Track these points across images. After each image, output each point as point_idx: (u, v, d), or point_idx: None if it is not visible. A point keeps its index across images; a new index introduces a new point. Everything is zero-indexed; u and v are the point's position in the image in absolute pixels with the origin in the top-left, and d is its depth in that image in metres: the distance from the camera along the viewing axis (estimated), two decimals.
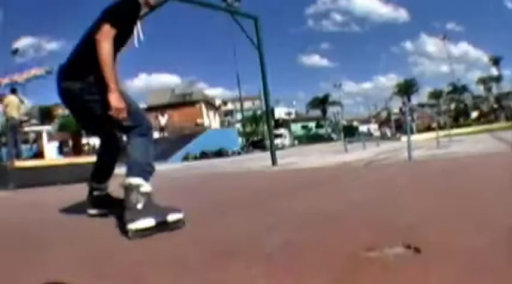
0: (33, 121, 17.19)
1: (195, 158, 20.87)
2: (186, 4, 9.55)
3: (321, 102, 65.29)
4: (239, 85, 53.98)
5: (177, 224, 2.16)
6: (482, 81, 60.55)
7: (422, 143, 13.21)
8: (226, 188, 5.06)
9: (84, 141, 24.16)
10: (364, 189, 3.70)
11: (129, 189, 2.17)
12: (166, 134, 28.85)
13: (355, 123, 57.57)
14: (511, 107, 44.39)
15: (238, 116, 55.01)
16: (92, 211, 2.76)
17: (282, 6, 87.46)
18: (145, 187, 2.19)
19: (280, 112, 68.51)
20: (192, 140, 23.52)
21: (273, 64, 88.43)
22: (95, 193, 2.75)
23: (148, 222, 2.06)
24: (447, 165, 5.62)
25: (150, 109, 34.20)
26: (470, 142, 11.81)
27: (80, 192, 3.15)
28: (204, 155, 21.41)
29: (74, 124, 11.21)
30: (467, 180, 3.62)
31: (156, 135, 39.94)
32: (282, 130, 46.43)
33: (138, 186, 2.16)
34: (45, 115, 26.43)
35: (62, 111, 26.40)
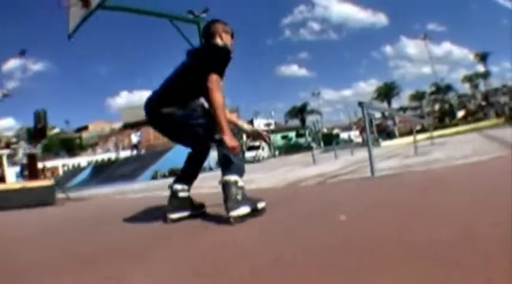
0: (22, 143, 17.11)
1: (164, 176, 19.92)
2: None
3: (300, 112, 63.96)
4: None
5: (263, 211, 2.84)
6: (468, 78, 58.90)
7: (401, 149, 12.12)
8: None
9: (40, 165, 22.88)
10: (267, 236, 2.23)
11: (229, 184, 2.71)
12: (141, 152, 28.20)
13: (336, 131, 56.68)
14: (500, 103, 43.61)
15: None
16: (174, 216, 3.05)
17: (259, 17, 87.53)
18: (241, 182, 2.77)
19: (259, 124, 67.59)
20: (162, 157, 22.65)
21: (252, 76, 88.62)
22: (181, 194, 3.09)
23: (246, 210, 2.70)
24: (418, 181, 4.15)
25: (126, 126, 34.10)
26: (456, 144, 10.67)
27: None
28: (173, 173, 19.58)
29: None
30: (440, 217, 2.09)
31: (127, 153, 39.23)
32: (259, 142, 45.04)
33: (236, 182, 2.73)
34: (33, 137, 26.37)
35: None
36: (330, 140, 36.65)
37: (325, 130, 58.74)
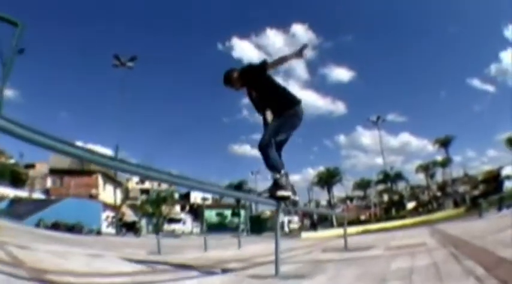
0: None
1: (47, 227, 18.56)
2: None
3: (236, 189, 61.77)
4: None
5: (295, 202, 4.22)
6: (424, 167, 56.28)
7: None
8: None
9: None
10: None
11: (280, 175, 3.98)
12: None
13: (270, 213, 54.51)
14: (459, 192, 43.82)
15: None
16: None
17: (218, 95, 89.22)
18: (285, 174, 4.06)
19: (196, 197, 64.19)
20: (49, 206, 21.69)
21: (204, 151, 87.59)
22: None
23: (287, 193, 3.98)
24: None
25: (52, 171, 33.63)
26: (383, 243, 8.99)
27: None
28: (56, 226, 18.76)
29: None
30: None
31: (37, 195, 34.95)
32: (182, 215, 42.29)
33: (283, 174, 4.01)
34: None
35: None
36: (258, 223, 34.62)
37: (268, 213, 57.28)
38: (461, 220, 13.66)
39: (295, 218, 45.76)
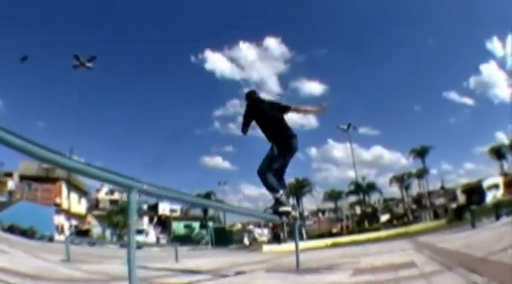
0: None
1: (3, 229, 18.72)
2: None
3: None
4: None
5: (294, 218, 4.99)
6: (399, 178, 53.49)
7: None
8: None
9: None
10: None
11: (279, 195, 4.65)
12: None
13: (250, 226, 51.55)
14: (435, 205, 42.10)
15: None
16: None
17: (191, 107, 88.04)
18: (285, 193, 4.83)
19: (164, 209, 61.71)
20: (4, 209, 22.15)
21: (174, 163, 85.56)
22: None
23: (288, 208, 4.69)
24: None
25: (22, 177, 33.66)
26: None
27: None
28: (11, 229, 18.92)
29: None
30: None
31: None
32: (145, 226, 39.89)
33: (283, 193, 4.69)
34: None
35: None
36: (222, 235, 32.40)
37: (239, 225, 55.08)
38: (449, 232, 11.32)
39: (265, 231, 44.18)
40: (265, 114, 4.87)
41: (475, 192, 24.68)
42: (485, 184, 29.36)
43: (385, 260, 5.33)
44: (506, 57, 56.84)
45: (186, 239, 39.25)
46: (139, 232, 37.86)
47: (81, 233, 30.74)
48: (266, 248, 17.83)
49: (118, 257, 10.14)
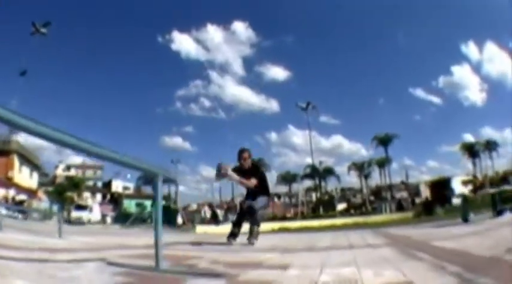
0: None
1: None
2: None
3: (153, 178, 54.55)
4: None
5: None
6: (359, 166, 50.57)
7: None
8: None
9: None
10: None
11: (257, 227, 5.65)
12: None
13: (196, 206, 49.82)
14: (396, 197, 40.53)
15: None
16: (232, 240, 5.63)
17: (154, 85, 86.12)
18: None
19: (117, 186, 61.64)
20: None
21: (132, 142, 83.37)
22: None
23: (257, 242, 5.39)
24: None
25: None
26: None
27: None
28: None
29: None
30: None
31: None
32: (89, 202, 39.99)
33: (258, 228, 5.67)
34: None
35: None
36: (168, 215, 29.74)
37: (194, 207, 52.26)
38: (429, 226, 8.36)
39: (219, 212, 42.25)
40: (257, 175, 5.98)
41: (445, 186, 22.80)
42: (454, 181, 27.68)
43: (346, 271, 2.50)
44: (481, 62, 56.95)
45: (134, 217, 36.66)
46: (82, 207, 35.88)
47: (17, 204, 28.61)
48: (200, 229, 15.38)
49: None
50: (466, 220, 7.75)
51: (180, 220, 27.08)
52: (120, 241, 6.34)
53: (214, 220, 19.39)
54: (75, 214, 32.43)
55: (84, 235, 9.12)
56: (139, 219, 31.35)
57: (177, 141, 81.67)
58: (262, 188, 5.75)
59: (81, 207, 35.51)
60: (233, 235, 5.59)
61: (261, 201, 5.63)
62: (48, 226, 12.62)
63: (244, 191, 6.23)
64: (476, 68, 60.32)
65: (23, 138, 36.43)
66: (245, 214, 5.63)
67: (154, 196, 2.93)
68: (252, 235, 5.46)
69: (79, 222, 29.00)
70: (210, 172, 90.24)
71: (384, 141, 48.49)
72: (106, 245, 5.14)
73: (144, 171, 2.95)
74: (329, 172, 50.65)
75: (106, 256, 3.15)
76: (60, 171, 59.60)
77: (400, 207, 30.80)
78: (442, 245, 3.53)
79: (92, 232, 12.69)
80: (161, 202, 2.80)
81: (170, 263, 2.60)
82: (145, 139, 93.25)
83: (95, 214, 36.12)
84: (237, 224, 5.71)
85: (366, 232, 7.65)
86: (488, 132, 67.03)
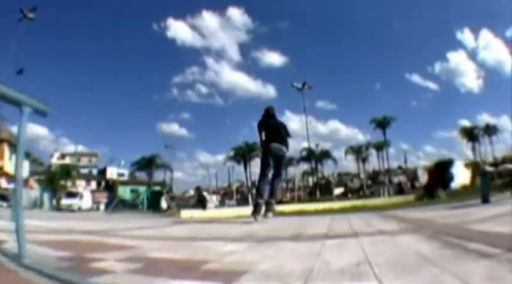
0: None
1: None
2: None
3: (148, 163, 53.08)
4: None
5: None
6: (356, 150, 49.79)
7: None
8: None
9: None
10: None
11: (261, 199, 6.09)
12: None
13: (205, 193, 49.26)
14: (395, 182, 38.97)
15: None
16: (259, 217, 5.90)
17: (150, 72, 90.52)
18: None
19: (112, 173, 62.30)
20: None
21: (130, 128, 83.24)
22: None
23: (272, 215, 6.21)
24: None
25: None
26: None
27: None
28: None
29: None
30: None
31: None
32: (79, 189, 40.61)
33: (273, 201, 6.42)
34: None
35: None
36: (157, 200, 29.25)
37: (191, 192, 51.29)
38: (447, 207, 7.05)
39: (214, 198, 41.79)
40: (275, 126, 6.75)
41: (447, 169, 21.94)
42: (458, 163, 26.79)
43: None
44: (477, 49, 56.50)
45: (129, 204, 36.02)
46: (73, 194, 35.43)
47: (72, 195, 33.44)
48: (185, 213, 14.61)
49: None
50: (486, 200, 6.74)
51: (164, 204, 26.61)
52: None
53: (201, 203, 18.62)
54: (65, 201, 32.37)
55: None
56: (128, 205, 30.95)
57: (173, 127, 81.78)
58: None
59: (71, 194, 35.18)
60: (257, 210, 5.98)
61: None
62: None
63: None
64: (472, 55, 60.87)
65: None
66: (275, 163, 6.29)
67: (18, 136, 2.20)
68: (269, 209, 6.24)
69: (69, 209, 28.69)
70: (207, 158, 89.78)
71: (382, 124, 47.40)
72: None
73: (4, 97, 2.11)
74: (326, 155, 49.98)
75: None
76: (55, 160, 59.66)
77: (400, 191, 30.12)
78: (488, 229, 2.55)
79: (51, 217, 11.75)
80: (24, 147, 2.24)
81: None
82: (142, 126, 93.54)
83: (86, 202, 35.54)
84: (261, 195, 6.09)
85: (371, 215, 6.63)
86: (485, 119, 67.13)
